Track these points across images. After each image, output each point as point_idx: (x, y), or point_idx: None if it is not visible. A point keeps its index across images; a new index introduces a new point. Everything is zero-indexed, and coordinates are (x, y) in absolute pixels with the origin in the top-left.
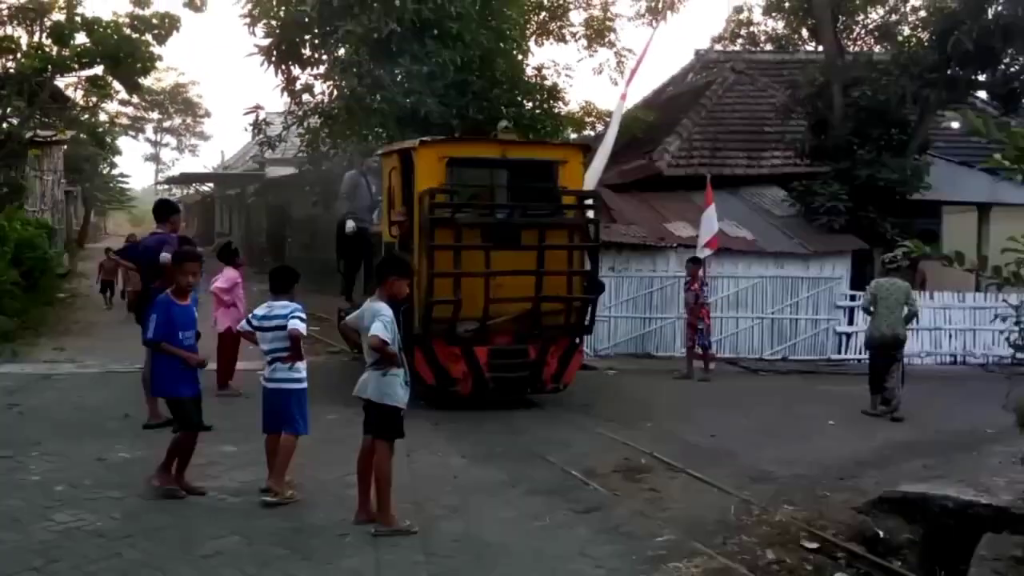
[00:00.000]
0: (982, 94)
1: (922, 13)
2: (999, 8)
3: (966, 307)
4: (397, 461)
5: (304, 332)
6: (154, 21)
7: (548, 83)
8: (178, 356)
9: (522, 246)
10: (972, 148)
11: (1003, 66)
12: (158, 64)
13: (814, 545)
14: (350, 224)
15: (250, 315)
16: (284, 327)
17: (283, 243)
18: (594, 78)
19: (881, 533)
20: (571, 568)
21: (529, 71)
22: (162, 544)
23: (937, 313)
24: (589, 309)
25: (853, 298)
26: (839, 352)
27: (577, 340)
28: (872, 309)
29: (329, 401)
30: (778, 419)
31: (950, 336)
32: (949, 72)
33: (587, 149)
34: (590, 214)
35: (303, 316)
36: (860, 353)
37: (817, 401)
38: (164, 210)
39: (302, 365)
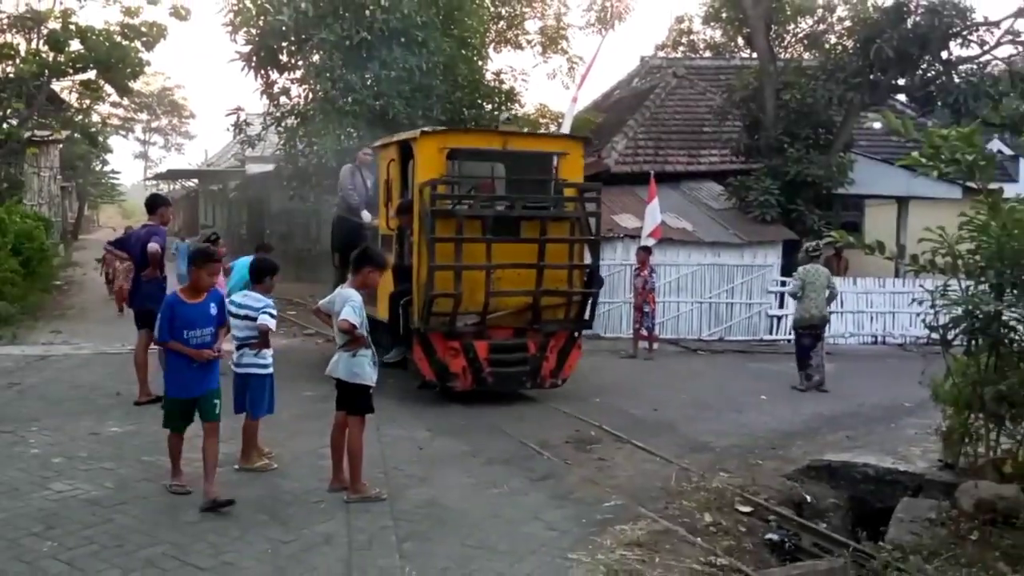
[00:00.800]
0: (901, 97)
1: (847, 23)
2: (917, 18)
3: (886, 292)
4: (367, 435)
5: (273, 327)
6: (143, 29)
7: (506, 87)
8: (186, 354)
9: (522, 239)
10: (891, 146)
11: (920, 71)
12: (146, 69)
13: (747, 509)
14: (366, 215)
15: (228, 300)
16: (254, 319)
17: (262, 234)
18: (548, 83)
19: (808, 498)
20: (526, 531)
21: (488, 76)
22: (152, 511)
23: (860, 297)
24: (589, 303)
25: (783, 284)
26: (770, 333)
27: (576, 335)
28: (800, 294)
29: (305, 380)
30: (715, 394)
31: (871, 318)
32: (871, 77)
33: (588, 142)
34: (590, 207)
35: (273, 312)
36: (789, 334)
37: (750, 378)
38: (153, 203)
39: (268, 352)
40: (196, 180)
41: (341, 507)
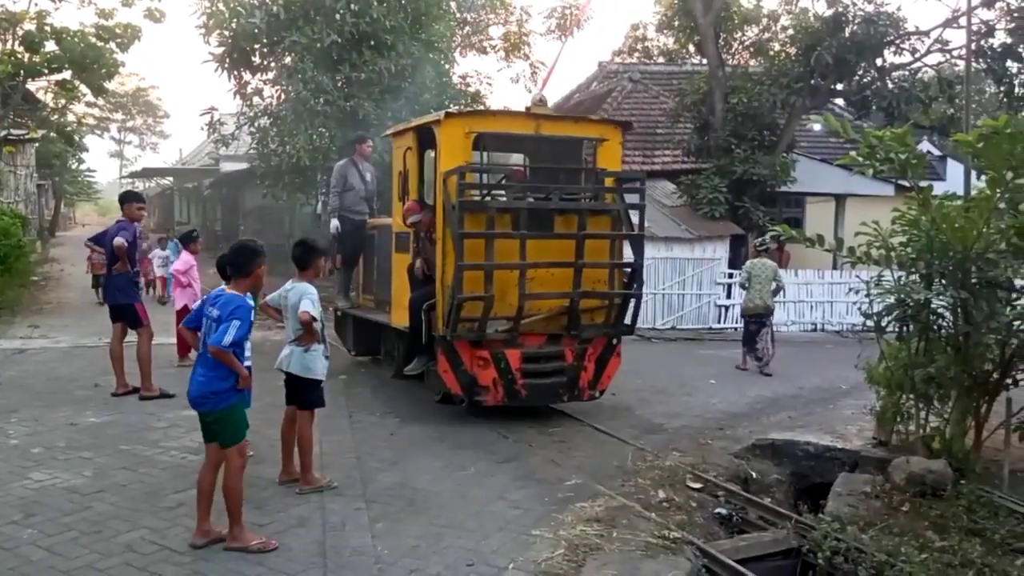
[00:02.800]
0: (840, 101)
1: (790, 31)
2: (854, 27)
3: (825, 282)
4: (341, 421)
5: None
6: (117, 31)
7: (472, 90)
8: (237, 371)
9: (559, 235)
10: (830, 147)
11: (857, 77)
12: (121, 70)
13: (698, 485)
14: (334, 223)
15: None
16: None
17: (236, 231)
18: (512, 86)
19: (754, 474)
20: (492, 509)
21: (455, 79)
22: (129, 498)
23: (800, 288)
24: (631, 306)
25: (731, 276)
26: (719, 322)
27: (614, 341)
28: (747, 285)
29: (276, 370)
30: (668, 379)
31: (811, 307)
32: (812, 82)
33: (628, 126)
34: (631, 199)
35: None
36: (736, 322)
37: (700, 363)
38: (122, 199)
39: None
40: (171, 178)
41: (316, 491)
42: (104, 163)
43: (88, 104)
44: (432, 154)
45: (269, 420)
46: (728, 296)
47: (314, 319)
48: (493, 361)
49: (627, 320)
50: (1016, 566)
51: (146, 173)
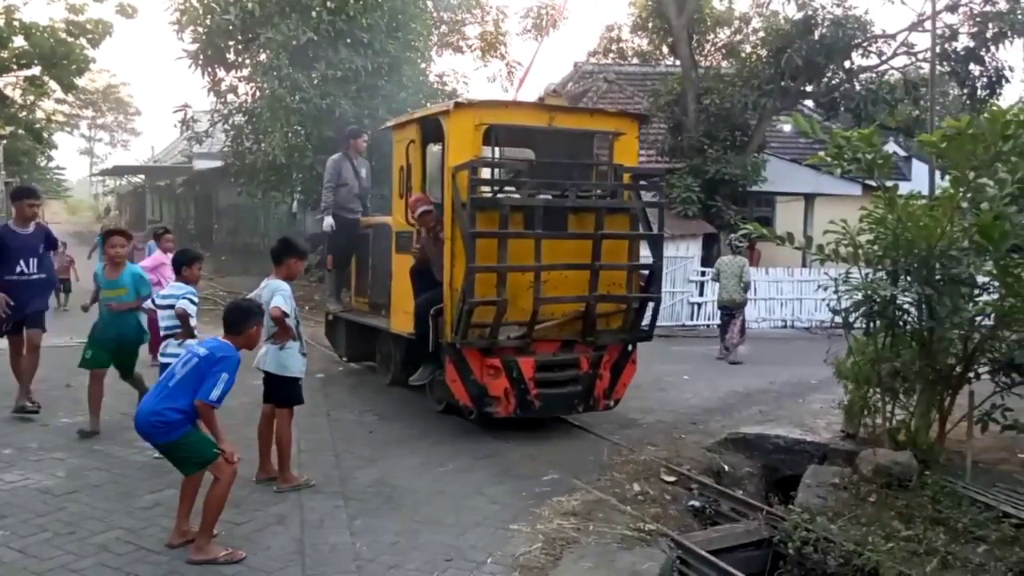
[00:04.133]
0: (809, 103)
1: (761, 34)
2: (823, 30)
3: (794, 280)
4: (319, 419)
5: (189, 310)
6: (88, 27)
7: (449, 88)
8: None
9: (575, 234)
10: (800, 148)
11: (826, 79)
12: (92, 66)
13: (672, 479)
14: (328, 221)
15: (154, 295)
16: (175, 306)
17: (210, 229)
18: (489, 85)
19: (726, 467)
20: (470, 504)
21: (432, 78)
22: (104, 499)
23: (771, 285)
24: (650, 310)
25: (703, 274)
26: (692, 319)
27: (630, 347)
28: (718, 280)
29: (252, 369)
30: (642, 376)
31: (781, 304)
32: (782, 84)
33: (645, 120)
34: (649, 196)
35: (193, 298)
36: (710, 319)
37: (674, 360)
38: (13, 195)
39: (192, 343)
40: (143, 176)
41: (294, 490)
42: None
43: (58, 101)
44: (436, 148)
45: (247, 419)
46: (701, 294)
47: (285, 315)
48: (505, 370)
49: (644, 325)
50: (978, 553)
51: (117, 171)
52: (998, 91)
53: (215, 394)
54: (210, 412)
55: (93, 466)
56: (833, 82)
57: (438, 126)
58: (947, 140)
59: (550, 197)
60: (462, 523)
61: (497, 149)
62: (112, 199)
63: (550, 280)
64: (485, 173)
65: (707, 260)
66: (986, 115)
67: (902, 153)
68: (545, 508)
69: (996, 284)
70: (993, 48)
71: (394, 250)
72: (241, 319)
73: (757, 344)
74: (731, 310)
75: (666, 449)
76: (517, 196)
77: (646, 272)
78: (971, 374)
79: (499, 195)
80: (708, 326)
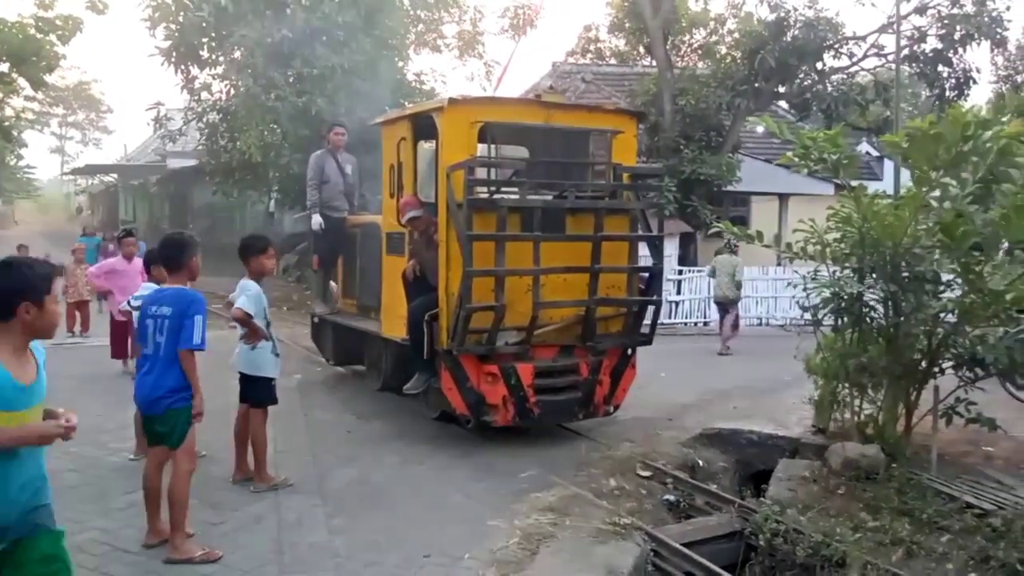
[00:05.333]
0: (783, 103)
1: (736, 35)
2: (795, 32)
3: (769, 279)
4: (297, 420)
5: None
6: (58, 22)
7: (427, 87)
8: (194, 381)
9: (574, 236)
10: (774, 148)
11: (798, 80)
12: (62, 63)
13: (648, 474)
14: (316, 220)
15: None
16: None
17: (185, 229)
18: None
19: (701, 462)
20: (449, 502)
21: (410, 76)
22: (79, 500)
23: (746, 284)
24: (650, 314)
25: (680, 272)
26: (669, 317)
27: (629, 351)
28: (714, 276)
29: (230, 370)
30: None
31: (756, 302)
32: (756, 85)
33: (643, 117)
34: (648, 197)
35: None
36: (687, 318)
37: (651, 357)
38: None
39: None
40: (115, 175)
41: (271, 489)
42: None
43: (27, 98)
44: (428, 145)
45: (224, 420)
46: (678, 292)
47: (248, 315)
48: (503, 377)
49: (644, 329)
50: (941, 543)
51: (89, 170)
52: (966, 92)
53: (197, 337)
54: (191, 360)
55: (67, 468)
56: (805, 83)
57: (431, 123)
58: (910, 141)
59: (550, 197)
60: (440, 520)
61: (493, 147)
62: (84, 198)
63: (548, 283)
64: (481, 173)
65: (684, 259)
66: (945, 116)
67: (874, 153)
68: (523, 504)
69: (959, 281)
70: (961, 50)
71: (385, 251)
72: (179, 252)
73: (733, 342)
74: (726, 305)
75: (643, 445)
76: (515, 197)
77: (646, 274)
78: (936, 369)
79: (496, 196)
80: (686, 324)
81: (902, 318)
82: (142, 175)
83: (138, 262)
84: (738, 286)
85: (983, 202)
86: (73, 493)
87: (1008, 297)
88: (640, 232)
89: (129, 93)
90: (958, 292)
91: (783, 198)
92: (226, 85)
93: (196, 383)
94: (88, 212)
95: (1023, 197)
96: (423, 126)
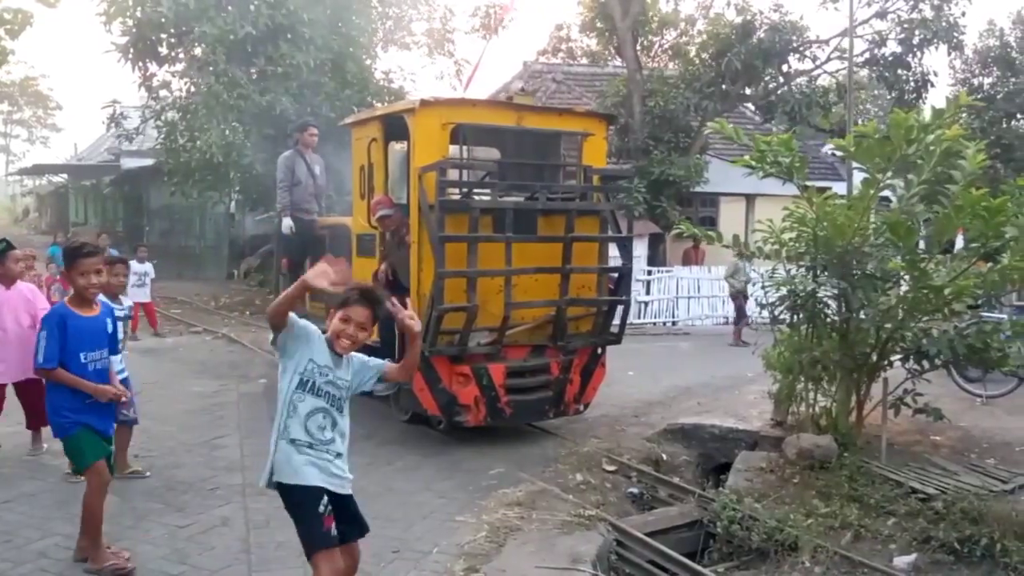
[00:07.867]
0: (750, 105)
1: (704, 37)
2: (761, 35)
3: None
4: (264, 424)
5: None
6: (6, 16)
7: (395, 86)
8: (81, 387)
9: (545, 237)
10: (740, 150)
11: (764, 82)
12: (9, 58)
13: (613, 468)
14: (287, 223)
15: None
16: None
17: (141, 232)
18: (437, 83)
19: (665, 456)
20: (417, 500)
21: (378, 75)
22: (40, 507)
23: (714, 283)
24: (620, 314)
25: (650, 273)
26: (638, 317)
27: (599, 350)
28: (732, 276)
29: (193, 376)
30: None
31: (723, 301)
32: (723, 87)
33: (613, 120)
34: (617, 199)
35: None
36: (656, 317)
37: (620, 357)
38: None
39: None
40: (66, 175)
41: (238, 492)
42: None
43: None
44: (399, 147)
45: (184, 426)
46: (648, 292)
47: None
48: (475, 377)
49: (613, 328)
50: (888, 526)
51: (37, 170)
52: (924, 95)
53: (39, 358)
54: (54, 375)
55: (27, 476)
56: (771, 86)
57: (402, 124)
58: (857, 144)
59: (521, 199)
60: (409, 517)
61: (465, 149)
62: (31, 200)
63: (520, 284)
64: (453, 174)
65: (653, 260)
66: (890, 120)
67: (839, 154)
68: (491, 500)
69: (906, 277)
70: (919, 54)
71: (355, 253)
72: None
73: (699, 340)
74: (738, 299)
75: (609, 441)
76: (487, 198)
77: (615, 275)
78: (885, 362)
79: (468, 197)
80: (655, 324)
81: (853, 314)
82: (95, 175)
83: None
84: (745, 283)
85: (930, 202)
86: (34, 500)
87: (946, 292)
88: (610, 233)
89: (79, 89)
90: (904, 288)
91: (750, 198)
92: (186, 83)
93: (80, 385)
94: (35, 215)
95: (964, 196)
96: (394, 127)
